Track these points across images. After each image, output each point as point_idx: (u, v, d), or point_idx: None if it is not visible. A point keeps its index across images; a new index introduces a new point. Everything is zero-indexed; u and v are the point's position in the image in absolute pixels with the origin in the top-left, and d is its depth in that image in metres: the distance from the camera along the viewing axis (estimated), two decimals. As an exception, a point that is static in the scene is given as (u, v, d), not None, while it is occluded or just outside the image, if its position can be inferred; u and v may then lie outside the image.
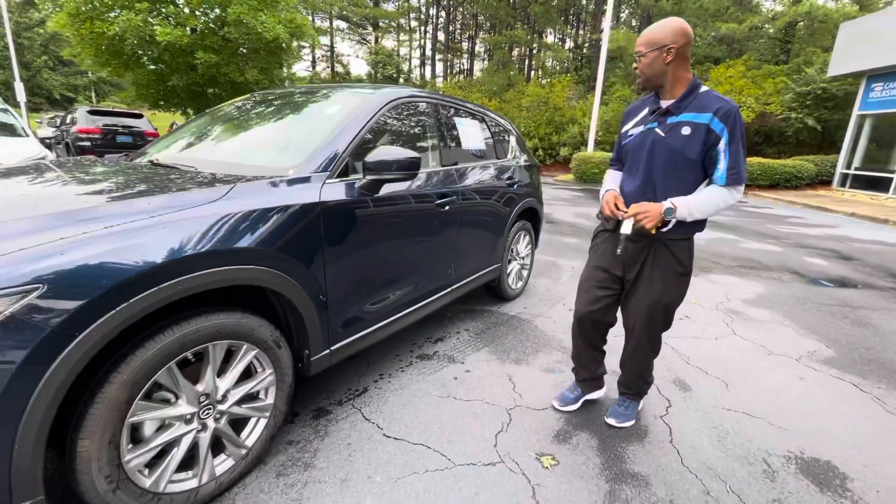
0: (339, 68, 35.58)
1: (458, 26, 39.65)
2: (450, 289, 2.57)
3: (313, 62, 35.66)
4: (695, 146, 1.58)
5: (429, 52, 40.26)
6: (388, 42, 36.68)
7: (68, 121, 10.13)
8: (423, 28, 40.11)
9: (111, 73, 9.18)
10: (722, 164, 1.58)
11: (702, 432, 1.94)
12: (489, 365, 2.46)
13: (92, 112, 9.55)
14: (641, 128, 1.72)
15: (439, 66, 40.30)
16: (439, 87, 27.61)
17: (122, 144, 9.55)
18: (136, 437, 1.27)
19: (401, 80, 32.66)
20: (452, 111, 2.77)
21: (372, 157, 1.78)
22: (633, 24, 29.99)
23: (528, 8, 29.70)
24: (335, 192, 1.72)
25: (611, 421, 1.96)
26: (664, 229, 1.66)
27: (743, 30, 20.08)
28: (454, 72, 39.54)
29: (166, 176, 1.66)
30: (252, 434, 1.57)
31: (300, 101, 2.37)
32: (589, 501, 1.53)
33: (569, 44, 35.54)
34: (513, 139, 3.51)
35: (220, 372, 1.43)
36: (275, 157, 1.85)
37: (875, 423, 2.07)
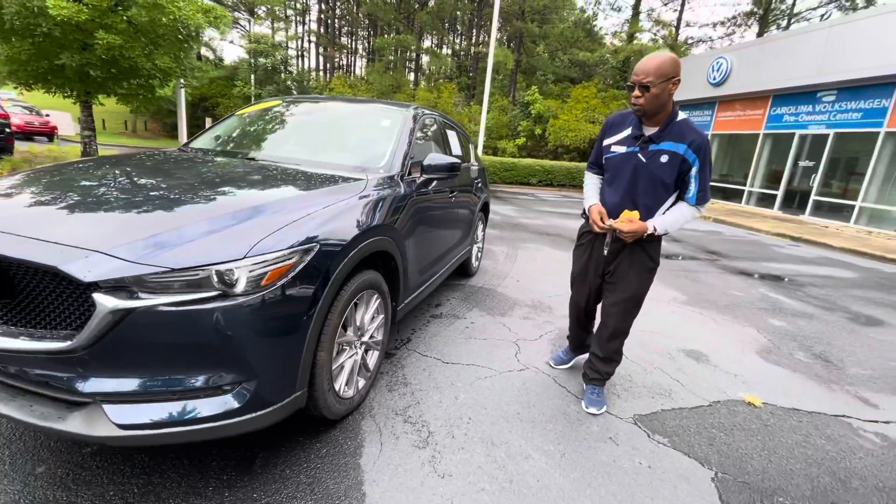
0: (207, 53, 32.14)
1: (339, 22, 39.03)
2: (450, 263, 3.31)
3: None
4: (671, 172, 1.83)
5: (307, 45, 38.77)
6: (262, 28, 34.31)
7: None
8: (299, 18, 38.49)
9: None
10: (693, 188, 1.85)
11: (633, 343, 3.02)
12: (484, 318, 3.28)
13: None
14: (624, 149, 1.92)
15: (319, 60, 39.19)
16: (329, 85, 26.95)
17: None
18: (329, 357, 1.79)
19: (282, 74, 30.92)
20: (444, 123, 3.50)
21: (428, 160, 2.46)
22: (504, 39, 33.18)
23: (414, 14, 30.80)
24: (410, 185, 2.36)
25: (592, 410, 2.14)
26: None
27: (594, 58, 24.17)
28: (334, 67, 38.83)
29: (299, 172, 2.10)
30: (371, 361, 2.14)
31: (347, 112, 2.89)
32: (587, 380, 2.48)
33: (446, 50, 37.72)
34: (472, 147, 4.36)
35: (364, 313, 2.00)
36: (362, 159, 2.38)
37: (711, 330, 3.47)
